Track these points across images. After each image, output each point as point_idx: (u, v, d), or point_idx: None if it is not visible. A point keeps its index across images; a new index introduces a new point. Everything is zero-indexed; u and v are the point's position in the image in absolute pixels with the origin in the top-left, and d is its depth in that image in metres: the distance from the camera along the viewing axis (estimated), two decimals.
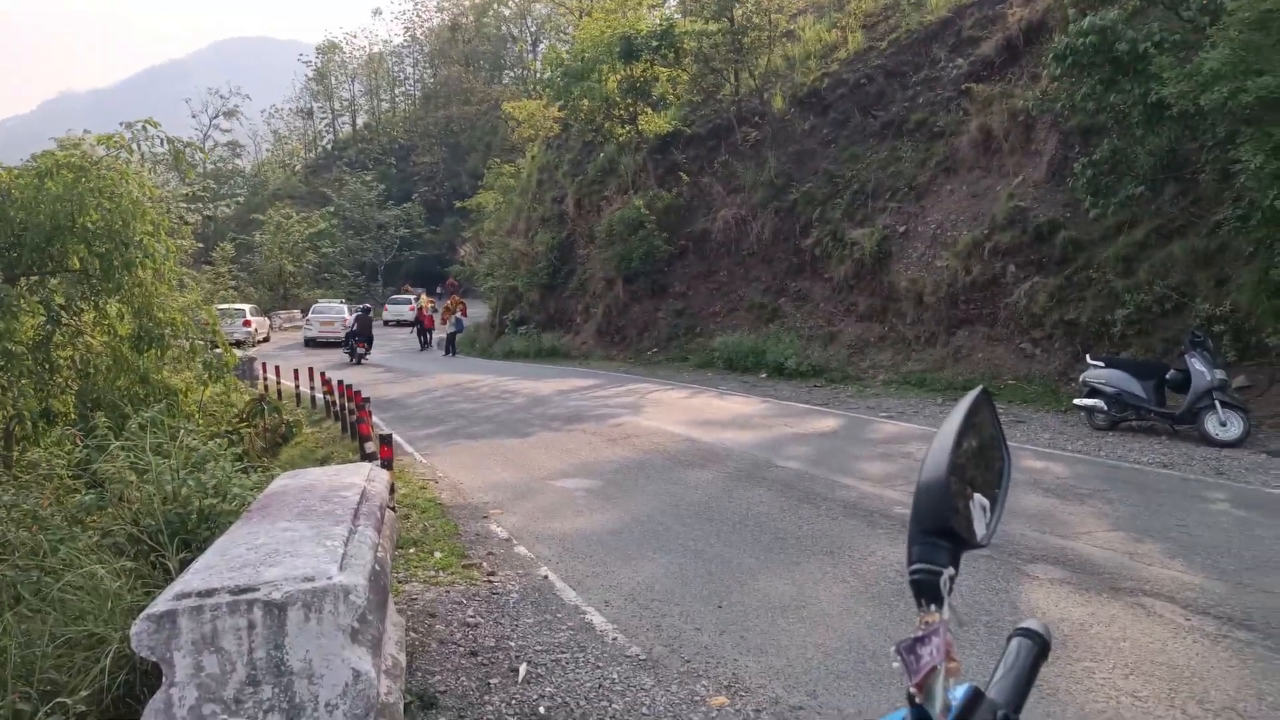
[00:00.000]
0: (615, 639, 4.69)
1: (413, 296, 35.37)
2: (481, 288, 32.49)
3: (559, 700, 4.03)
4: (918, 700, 0.84)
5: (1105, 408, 9.57)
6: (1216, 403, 8.66)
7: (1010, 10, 16.28)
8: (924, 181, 16.21)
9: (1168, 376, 9.26)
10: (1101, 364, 9.79)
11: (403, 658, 4.09)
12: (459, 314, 26.84)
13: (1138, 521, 6.26)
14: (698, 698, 3.97)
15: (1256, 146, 8.97)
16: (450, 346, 26.18)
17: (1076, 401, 9.99)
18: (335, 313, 30.85)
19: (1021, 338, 12.91)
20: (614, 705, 3.95)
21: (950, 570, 0.87)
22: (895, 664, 0.86)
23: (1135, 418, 9.48)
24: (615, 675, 4.25)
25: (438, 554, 6.33)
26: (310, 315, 32.01)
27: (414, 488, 8.47)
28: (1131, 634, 4.35)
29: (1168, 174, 11.35)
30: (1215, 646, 4.16)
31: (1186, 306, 10.78)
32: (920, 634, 0.85)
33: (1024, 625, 1.00)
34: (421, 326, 28.99)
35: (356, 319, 24.58)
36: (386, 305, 39.64)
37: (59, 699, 2.98)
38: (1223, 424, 8.62)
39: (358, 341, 23.57)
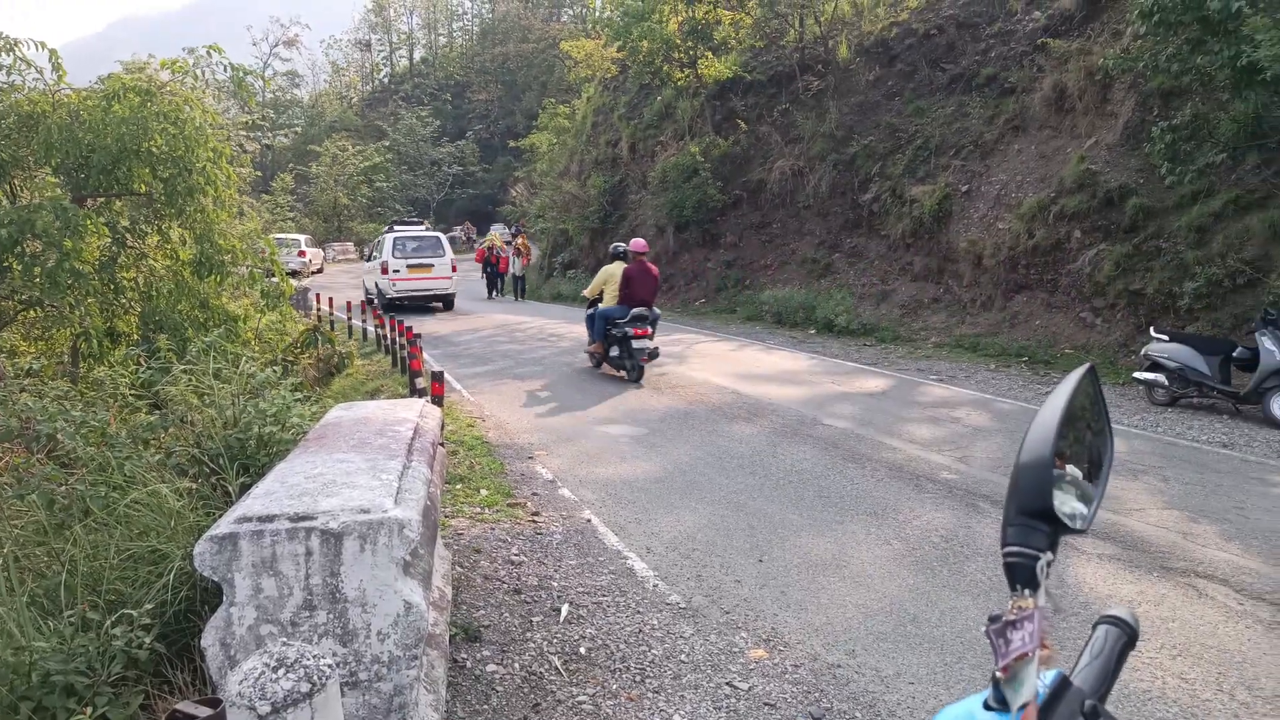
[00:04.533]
0: (656, 586, 4.74)
1: (462, 232, 35.01)
2: (532, 229, 32.48)
3: (599, 642, 4.11)
4: (1002, 684, 0.82)
5: (1166, 383, 9.30)
6: None
7: None
8: (991, 140, 15.68)
9: (1235, 354, 8.94)
10: (1166, 337, 9.48)
11: (449, 591, 4.18)
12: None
13: (1193, 501, 6.12)
14: (736, 649, 4.01)
15: None
16: (521, 289, 25.08)
17: (1136, 375, 9.73)
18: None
19: (1082, 306, 12.56)
20: (653, 651, 4.01)
21: (1049, 555, 0.84)
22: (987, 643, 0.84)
23: (1197, 395, 9.22)
24: (655, 622, 4.30)
25: (484, 491, 6.45)
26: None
27: (461, 425, 8.60)
28: (1181, 615, 4.28)
29: (1251, 142, 10.82)
30: (1269, 633, 4.08)
31: (1260, 282, 10.35)
32: (1013, 618, 0.82)
33: (1111, 613, 0.97)
34: (494, 271, 25.10)
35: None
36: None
37: (125, 610, 3.10)
38: None
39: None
